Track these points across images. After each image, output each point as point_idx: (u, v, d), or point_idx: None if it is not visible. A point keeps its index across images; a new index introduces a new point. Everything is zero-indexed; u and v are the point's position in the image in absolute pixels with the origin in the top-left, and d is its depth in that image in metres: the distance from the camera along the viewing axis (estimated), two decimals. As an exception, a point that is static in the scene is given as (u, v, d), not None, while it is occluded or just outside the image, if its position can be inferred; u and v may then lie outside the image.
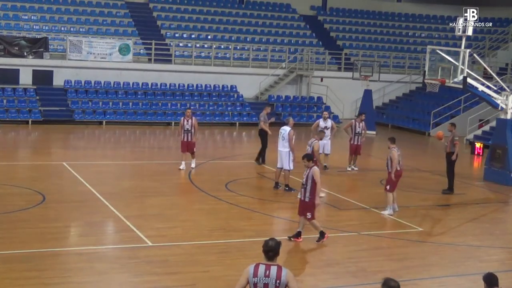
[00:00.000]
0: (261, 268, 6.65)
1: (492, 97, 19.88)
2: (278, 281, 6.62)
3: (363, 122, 20.47)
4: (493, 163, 20.06)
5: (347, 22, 40.46)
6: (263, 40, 36.35)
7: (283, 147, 16.68)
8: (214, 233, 12.96)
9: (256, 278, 6.62)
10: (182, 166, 18.82)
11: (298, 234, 12.56)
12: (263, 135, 20.16)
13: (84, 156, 21.35)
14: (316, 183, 12.17)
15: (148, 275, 10.52)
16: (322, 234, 12.54)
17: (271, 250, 6.70)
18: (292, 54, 34.48)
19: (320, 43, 37.27)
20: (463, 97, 30.29)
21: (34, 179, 16.97)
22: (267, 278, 6.61)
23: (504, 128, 19.86)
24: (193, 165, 19.06)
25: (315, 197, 12.26)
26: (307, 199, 12.33)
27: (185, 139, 18.80)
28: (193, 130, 18.80)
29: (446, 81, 19.53)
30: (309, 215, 12.36)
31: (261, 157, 20.27)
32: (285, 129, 16.62)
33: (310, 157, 12.43)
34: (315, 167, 12.30)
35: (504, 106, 19.73)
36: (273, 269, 6.65)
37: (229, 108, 31.21)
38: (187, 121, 18.82)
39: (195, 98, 31.20)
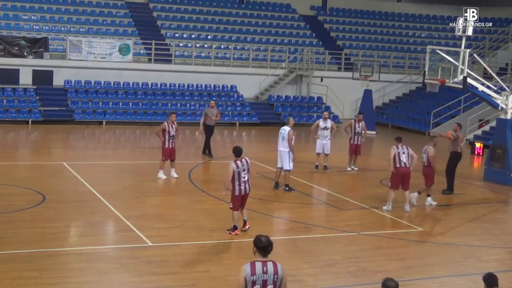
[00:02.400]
0: (258, 266, 6.65)
1: (492, 97, 19.88)
2: (276, 276, 6.65)
3: (362, 122, 20.46)
4: (493, 163, 20.06)
5: (347, 22, 40.46)
6: (263, 40, 36.35)
7: (283, 147, 16.67)
8: (214, 233, 12.96)
9: (254, 276, 6.61)
10: (164, 175, 17.59)
11: (235, 228, 12.80)
12: (205, 129, 21.26)
13: (84, 156, 21.35)
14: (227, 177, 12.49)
15: (148, 275, 10.51)
16: (234, 227, 12.73)
17: (269, 245, 6.72)
18: (292, 54, 34.48)
19: (320, 43, 37.27)
20: (463, 97, 30.29)
21: (34, 179, 16.97)
22: (265, 275, 6.63)
23: (504, 128, 19.85)
24: (176, 175, 17.77)
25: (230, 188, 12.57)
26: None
27: (170, 146, 17.59)
28: (175, 135, 17.79)
29: (446, 81, 19.52)
30: (230, 205, 12.67)
31: (207, 150, 21.28)
32: (285, 129, 16.61)
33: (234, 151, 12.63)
34: (231, 162, 12.44)
35: (504, 106, 19.72)
36: (270, 265, 6.67)
37: (229, 108, 31.21)
38: (172, 126, 17.61)
39: (195, 98, 31.20)
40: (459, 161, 17.98)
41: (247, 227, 12.93)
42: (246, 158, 12.66)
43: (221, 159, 21.21)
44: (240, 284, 6.63)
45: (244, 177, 12.44)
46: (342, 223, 14.33)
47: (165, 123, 17.78)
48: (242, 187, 12.48)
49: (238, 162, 12.42)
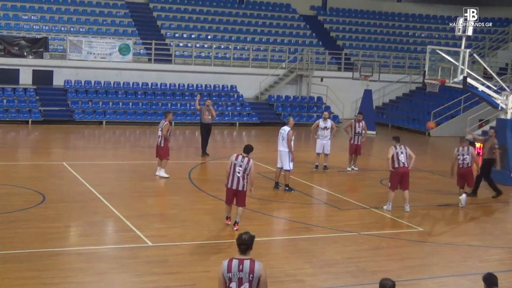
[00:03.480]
0: (234, 263, 6.74)
1: (492, 97, 19.88)
2: (251, 275, 6.71)
3: (363, 122, 20.45)
4: (493, 163, 20.03)
5: (347, 22, 40.46)
6: (263, 40, 36.35)
7: (283, 147, 16.67)
8: (214, 233, 12.97)
9: (230, 273, 6.73)
10: (166, 174, 17.84)
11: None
12: (202, 127, 21.37)
13: (84, 156, 21.35)
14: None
15: (148, 275, 10.52)
16: (226, 217, 13.35)
17: (243, 244, 6.80)
18: (292, 54, 34.47)
19: (320, 43, 37.27)
20: (463, 97, 30.31)
21: (34, 179, 16.96)
22: (240, 273, 6.72)
23: (504, 128, 19.85)
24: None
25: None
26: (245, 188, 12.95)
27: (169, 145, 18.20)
28: None
29: (446, 81, 19.54)
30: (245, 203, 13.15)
31: (202, 148, 21.39)
32: (285, 129, 16.63)
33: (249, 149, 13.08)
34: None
35: (504, 106, 19.73)
36: (246, 263, 6.74)
37: (229, 108, 31.21)
38: (171, 125, 18.30)
39: (195, 98, 31.14)
40: (492, 166, 18.06)
41: (235, 228, 12.98)
42: (250, 158, 12.83)
43: (220, 159, 21.21)
44: (220, 280, 6.81)
45: (239, 173, 12.69)
46: (342, 223, 14.33)
47: (167, 123, 17.76)
48: (235, 182, 12.71)
49: (239, 156, 12.79)
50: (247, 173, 12.73)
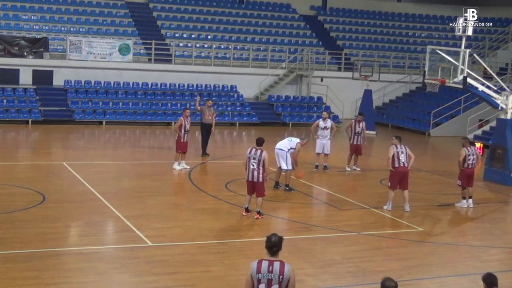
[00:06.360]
0: (264, 264, 6.73)
1: (492, 97, 19.88)
2: (281, 276, 6.70)
3: (363, 123, 20.44)
4: (493, 163, 20.06)
5: (347, 22, 40.46)
6: (263, 40, 36.35)
7: (283, 147, 16.71)
8: (214, 233, 12.97)
9: (259, 274, 6.71)
10: (179, 166, 18.98)
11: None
12: (202, 127, 21.64)
13: (84, 156, 21.34)
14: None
15: (148, 275, 10.52)
16: (245, 209, 14.14)
17: (274, 246, 6.81)
18: (292, 54, 34.47)
19: (320, 43, 37.27)
20: (463, 97, 30.33)
21: (34, 179, 16.96)
22: (270, 274, 6.70)
23: (504, 128, 19.85)
24: (188, 166, 19.20)
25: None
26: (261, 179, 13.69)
27: (185, 140, 19.03)
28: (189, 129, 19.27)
29: (446, 81, 19.53)
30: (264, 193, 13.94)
31: (202, 148, 21.68)
32: (294, 140, 16.82)
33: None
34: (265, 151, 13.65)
35: (504, 106, 19.72)
36: (276, 265, 6.73)
37: (229, 108, 31.21)
38: (187, 121, 19.07)
39: (195, 98, 31.14)
40: None
41: (255, 216, 13.85)
42: (263, 151, 13.62)
43: (220, 159, 21.22)
44: (247, 281, 6.78)
45: (253, 165, 13.52)
46: (342, 223, 14.33)
47: (182, 118, 18.98)
48: (250, 174, 13.63)
49: (253, 150, 13.64)
50: (261, 165, 13.46)
